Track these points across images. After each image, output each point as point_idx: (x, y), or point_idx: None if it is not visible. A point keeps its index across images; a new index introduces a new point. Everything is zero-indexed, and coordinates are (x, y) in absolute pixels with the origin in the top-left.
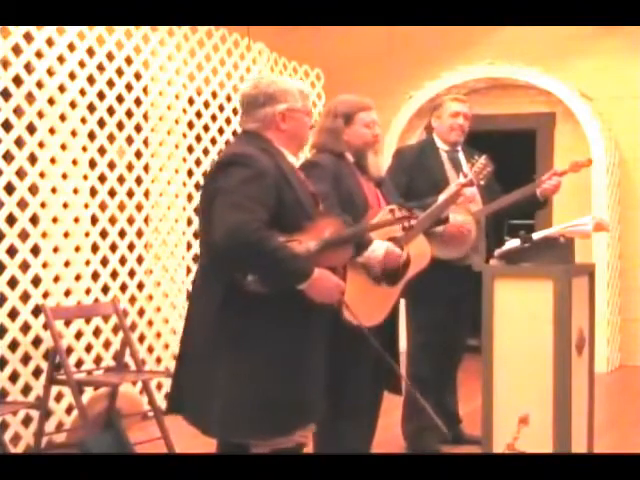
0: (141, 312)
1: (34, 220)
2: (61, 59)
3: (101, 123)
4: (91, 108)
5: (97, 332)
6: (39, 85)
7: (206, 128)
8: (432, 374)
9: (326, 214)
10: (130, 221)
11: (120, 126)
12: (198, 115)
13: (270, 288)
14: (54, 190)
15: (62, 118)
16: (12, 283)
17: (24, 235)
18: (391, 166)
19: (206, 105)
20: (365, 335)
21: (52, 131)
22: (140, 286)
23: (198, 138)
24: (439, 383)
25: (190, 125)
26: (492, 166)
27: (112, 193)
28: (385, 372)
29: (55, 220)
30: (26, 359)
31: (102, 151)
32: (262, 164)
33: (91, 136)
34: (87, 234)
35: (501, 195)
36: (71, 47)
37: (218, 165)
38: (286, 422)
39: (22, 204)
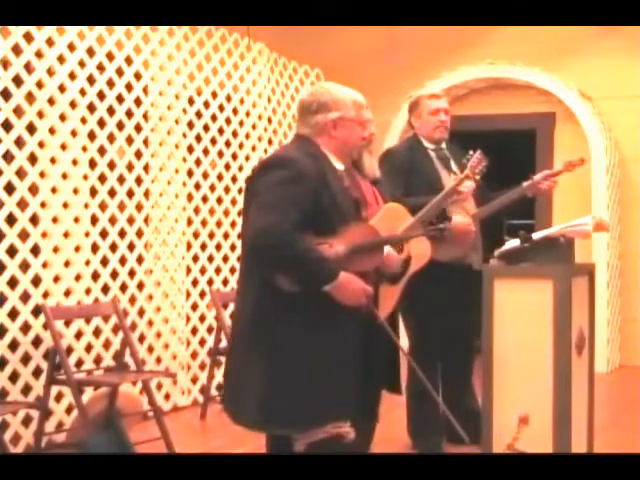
0: (141, 312)
1: (34, 220)
2: (61, 59)
3: (101, 123)
4: (91, 108)
5: (97, 332)
6: (39, 85)
7: (206, 128)
8: (438, 374)
9: (363, 220)
10: (130, 221)
11: (120, 126)
12: (198, 115)
13: (298, 287)
14: (54, 190)
15: (62, 118)
16: (12, 283)
17: (24, 235)
18: (386, 167)
19: (206, 105)
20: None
21: (52, 131)
22: (140, 286)
23: (198, 138)
24: (451, 384)
25: (190, 125)
26: (486, 161)
27: (112, 193)
28: (385, 371)
29: (55, 220)
30: (26, 359)
31: (102, 151)
32: (302, 167)
33: (91, 136)
34: (87, 234)
35: (490, 194)
36: (71, 47)
37: (259, 167)
38: (313, 416)
39: (22, 204)
